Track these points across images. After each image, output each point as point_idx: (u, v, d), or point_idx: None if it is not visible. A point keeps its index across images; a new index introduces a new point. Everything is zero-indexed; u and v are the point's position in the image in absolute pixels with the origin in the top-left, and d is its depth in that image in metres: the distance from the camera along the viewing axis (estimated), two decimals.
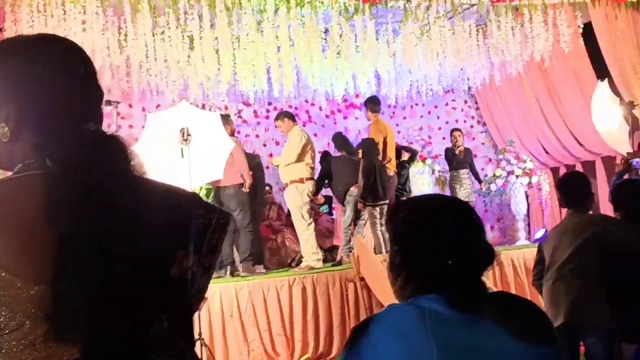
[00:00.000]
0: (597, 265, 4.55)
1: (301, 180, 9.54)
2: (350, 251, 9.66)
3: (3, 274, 1.35)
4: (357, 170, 9.87)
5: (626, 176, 6.96)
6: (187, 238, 1.55)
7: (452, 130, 12.29)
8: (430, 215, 2.00)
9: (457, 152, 11.86)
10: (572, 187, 4.89)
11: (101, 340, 1.36)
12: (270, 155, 12.63)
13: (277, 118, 10.24)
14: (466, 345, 1.76)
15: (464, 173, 11.78)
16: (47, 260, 1.35)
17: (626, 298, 4.43)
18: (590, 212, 5.09)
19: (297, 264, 10.02)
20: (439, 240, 1.92)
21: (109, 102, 7.97)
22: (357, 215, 10.10)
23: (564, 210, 5.16)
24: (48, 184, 1.42)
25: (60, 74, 1.57)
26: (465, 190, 11.61)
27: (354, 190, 9.91)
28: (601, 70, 10.63)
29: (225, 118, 9.54)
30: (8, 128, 1.53)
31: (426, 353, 1.73)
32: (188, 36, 9.01)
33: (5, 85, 1.54)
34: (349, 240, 9.96)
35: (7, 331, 1.35)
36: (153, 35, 8.87)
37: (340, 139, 10.88)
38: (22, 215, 1.40)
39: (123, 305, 1.39)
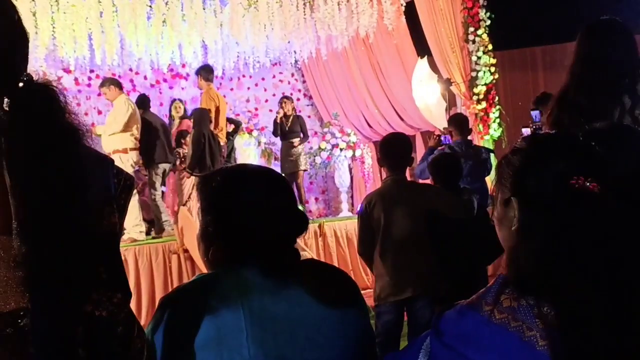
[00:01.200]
0: (427, 234, 4.71)
1: (125, 151, 9.28)
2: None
3: None
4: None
5: (437, 150, 7.27)
6: (110, 195, 1.56)
7: (280, 99, 12.17)
8: (240, 183, 2.00)
9: (279, 120, 11.72)
10: (395, 147, 4.98)
11: (48, 291, 1.35)
12: (92, 124, 12.21)
13: (102, 85, 9.86)
14: (274, 312, 1.78)
15: (296, 142, 11.66)
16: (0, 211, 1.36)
17: (451, 262, 4.67)
18: (408, 177, 5.27)
19: None
20: (249, 207, 1.92)
21: None
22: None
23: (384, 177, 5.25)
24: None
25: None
26: (295, 160, 11.48)
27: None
28: (422, 48, 11.02)
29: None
30: None
31: (234, 321, 1.73)
32: None
33: None
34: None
35: None
36: None
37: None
38: None
39: (68, 258, 1.37)
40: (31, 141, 1.38)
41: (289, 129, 11.57)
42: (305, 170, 11.71)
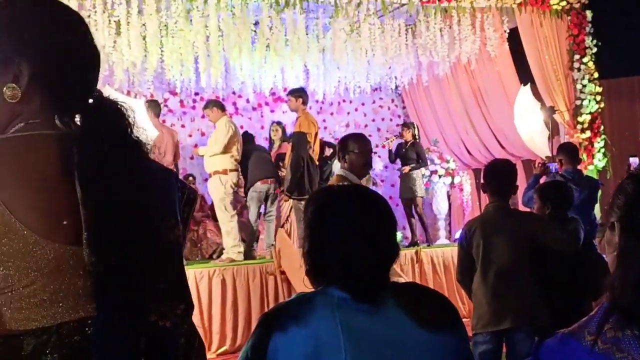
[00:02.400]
0: (528, 264, 4.63)
1: (225, 172, 9.44)
2: (252, 247, 9.79)
3: (21, 229, 1.35)
4: (267, 165, 9.88)
5: (542, 179, 7.12)
6: (175, 208, 1.58)
7: (402, 125, 12.18)
8: (334, 207, 2.01)
9: (402, 146, 11.61)
10: (498, 174, 4.91)
11: (114, 301, 1.40)
12: (195, 145, 12.50)
13: (205, 106, 10.08)
14: (372, 333, 1.78)
15: (407, 168, 11.39)
16: (70, 221, 1.38)
17: (554, 293, 4.56)
18: (511, 205, 5.17)
19: (218, 256, 9.95)
20: (340, 232, 1.93)
21: None
22: (265, 210, 10.08)
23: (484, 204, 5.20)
24: (64, 146, 1.43)
25: (67, 25, 1.54)
26: (412, 187, 11.31)
27: (258, 186, 9.85)
28: (525, 75, 10.87)
29: (154, 103, 9.51)
30: (19, 88, 1.47)
31: (333, 341, 1.74)
32: (115, 21, 8.84)
33: (13, 32, 1.48)
34: (258, 237, 9.97)
35: (19, 287, 1.36)
36: None
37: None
38: (42, 173, 1.41)
39: (135, 269, 1.42)
40: (101, 154, 1.43)
41: (406, 155, 11.52)
42: (422, 197, 11.57)
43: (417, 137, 11.73)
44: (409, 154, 11.49)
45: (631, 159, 6.10)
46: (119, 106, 1.53)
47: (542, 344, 1.50)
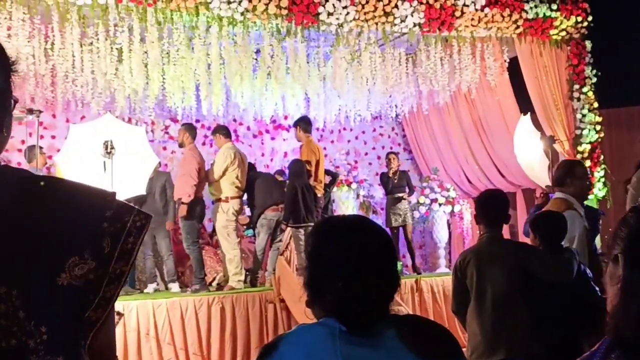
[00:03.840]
0: (522, 294, 4.62)
1: (226, 200, 9.47)
2: (256, 275, 9.79)
3: None
4: (275, 193, 9.88)
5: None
6: (81, 244, 1.42)
7: (387, 154, 12.24)
8: (332, 238, 2.00)
9: (391, 174, 11.80)
10: (491, 204, 4.92)
11: None
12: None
13: (212, 133, 10.25)
14: None
15: (400, 196, 11.67)
16: None
17: (547, 325, 4.55)
18: (503, 235, 5.17)
19: (218, 284, 9.92)
20: (337, 264, 1.93)
21: (31, 111, 7.73)
22: (273, 238, 10.05)
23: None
24: None
25: None
26: (402, 215, 11.49)
27: (268, 214, 9.84)
28: (525, 104, 10.91)
29: (190, 126, 9.87)
30: None
31: None
32: (117, 48, 8.89)
33: None
34: (265, 264, 9.95)
35: None
36: (81, 46, 8.73)
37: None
38: None
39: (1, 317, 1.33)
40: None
41: (396, 183, 11.60)
42: (412, 225, 11.72)
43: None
44: (401, 181, 11.59)
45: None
46: None
47: None
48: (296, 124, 10.71)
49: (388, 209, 11.71)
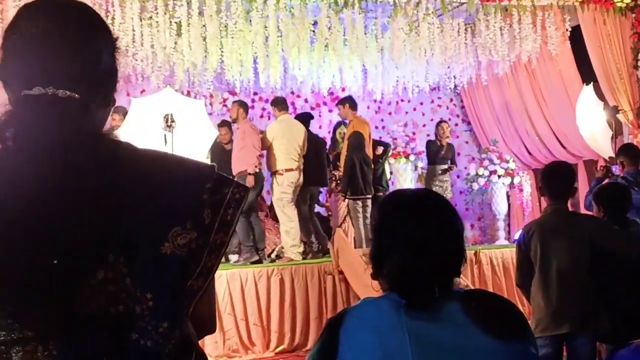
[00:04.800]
0: (587, 268, 4.56)
1: (280, 172, 9.49)
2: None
3: None
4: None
5: (605, 181, 6.98)
6: (183, 215, 1.47)
7: (439, 122, 12.18)
8: (397, 212, 1.99)
9: (440, 145, 11.74)
10: (557, 176, 4.84)
11: (75, 320, 1.36)
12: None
13: (271, 104, 10.31)
14: (439, 341, 1.76)
15: (445, 168, 11.66)
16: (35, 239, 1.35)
17: (614, 299, 4.49)
18: (570, 207, 5.09)
19: (277, 256, 10.01)
20: (400, 238, 1.91)
21: None
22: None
23: (544, 206, 5.11)
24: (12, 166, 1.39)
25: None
26: (444, 189, 11.43)
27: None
28: (587, 74, 10.68)
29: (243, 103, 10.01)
30: None
31: (400, 347, 1.73)
32: (176, 22, 8.97)
33: None
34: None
35: None
36: (140, 20, 8.84)
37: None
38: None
39: (107, 282, 1.38)
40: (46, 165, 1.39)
41: (444, 155, 11.59)
42: (451, 198, 11.62)
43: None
44: (447, 154, 11.56)
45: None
46: (68, 102, 1.45)
47: (614, 353, 1.48)
48: (343, 102, 10.68)
49: (429, 179, 11.67)
